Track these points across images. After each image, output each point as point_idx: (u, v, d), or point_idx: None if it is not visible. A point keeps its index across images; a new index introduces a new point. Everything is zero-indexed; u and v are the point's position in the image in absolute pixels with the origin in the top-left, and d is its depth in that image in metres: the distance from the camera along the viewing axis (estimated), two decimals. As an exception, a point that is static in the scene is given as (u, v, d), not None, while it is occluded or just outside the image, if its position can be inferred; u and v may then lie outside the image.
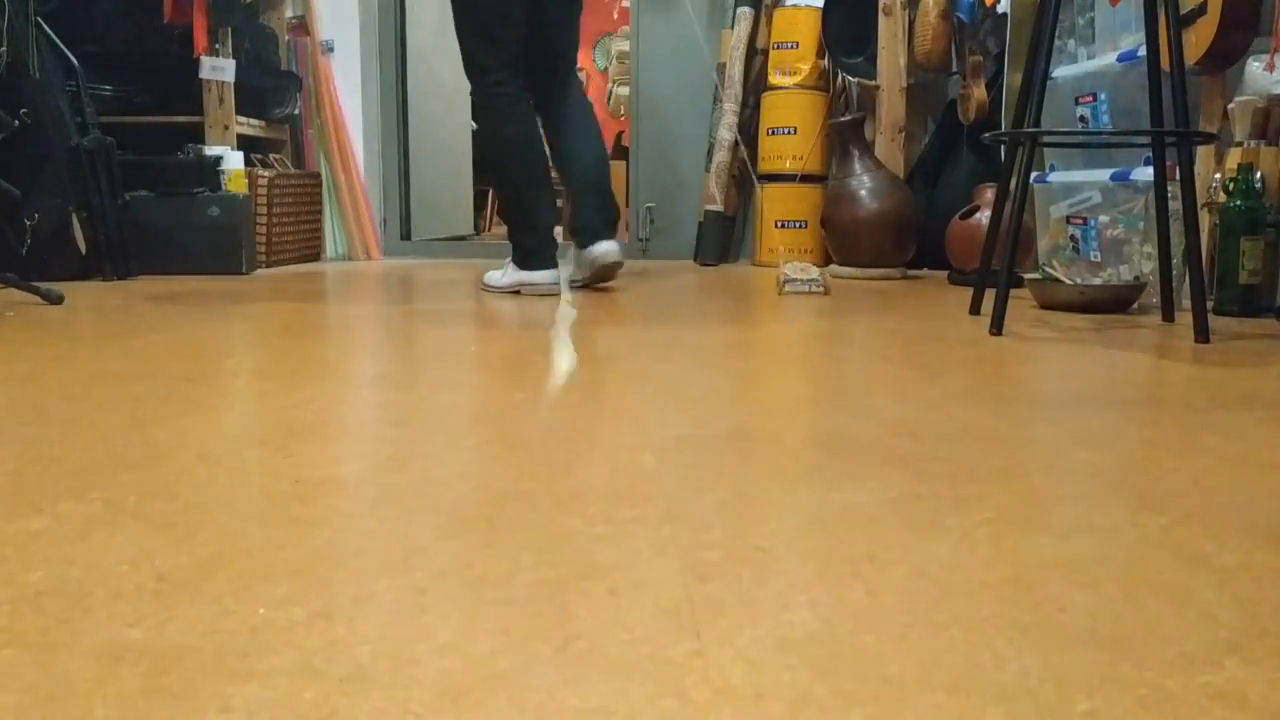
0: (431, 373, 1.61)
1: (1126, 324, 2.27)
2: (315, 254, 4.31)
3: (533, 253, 2.88)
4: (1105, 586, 0.72)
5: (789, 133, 4.05)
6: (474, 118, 3.05)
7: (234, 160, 3.64)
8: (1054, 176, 3.05)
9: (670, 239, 4.49)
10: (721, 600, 0.69)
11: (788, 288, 2.92)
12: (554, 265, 2.89)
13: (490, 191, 7.18)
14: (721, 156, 4.18)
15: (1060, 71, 2.97)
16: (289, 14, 4.30)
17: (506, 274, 2.94)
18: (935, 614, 0.67)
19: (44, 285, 2.59)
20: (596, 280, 2.99)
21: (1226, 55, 2.40)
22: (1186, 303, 2.34)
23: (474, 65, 2.84)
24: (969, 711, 0.54)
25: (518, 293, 2.89)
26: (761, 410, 1.32)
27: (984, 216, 3.15)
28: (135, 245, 3.38)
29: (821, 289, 2.91)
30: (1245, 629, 0.65)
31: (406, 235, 4.74)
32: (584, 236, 2.93)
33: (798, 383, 1.53)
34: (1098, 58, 2.87)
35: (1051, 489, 0.96)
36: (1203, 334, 1.97)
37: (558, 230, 3.07)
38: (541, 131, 2.92)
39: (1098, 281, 2.61)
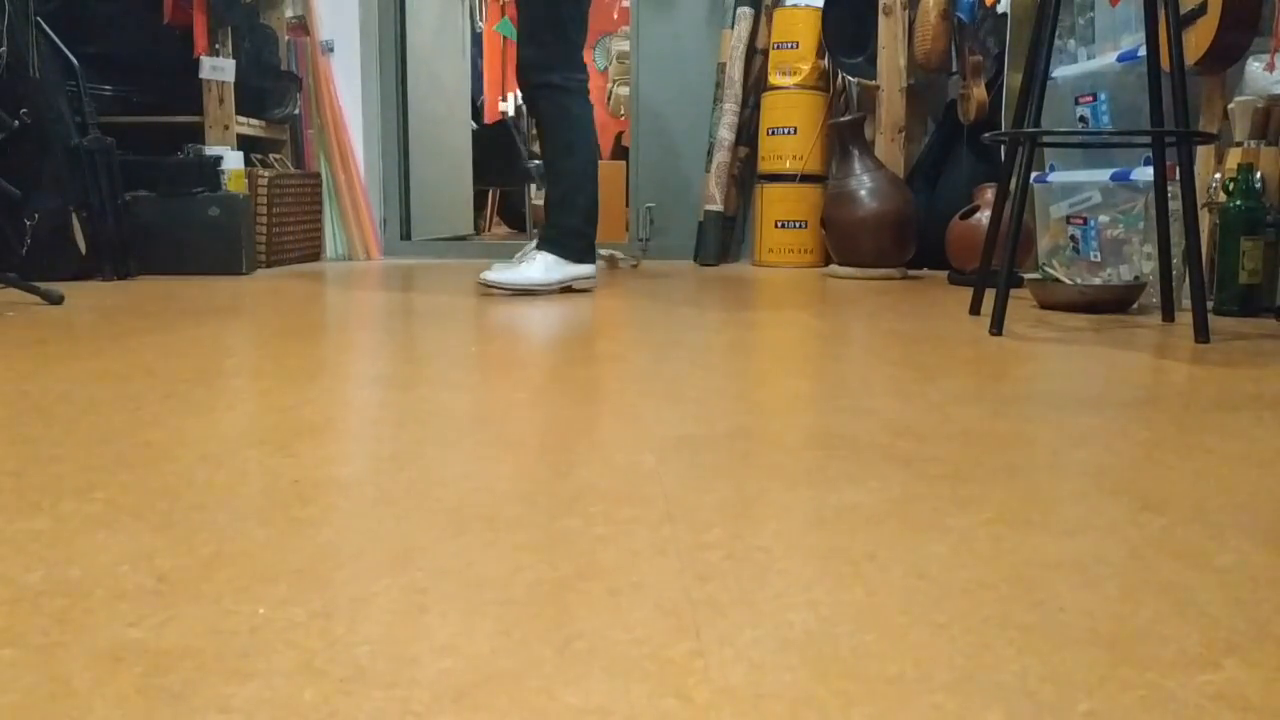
0: (431, 373, 1.61)
1: (1126, 324, 2.27)
2: (315, 254, 4.31)
3: (591, 245, 2.92)
4: (1105, 586, 0.72)
5: (789, 133, 4.05)
6: (553, 111, 2.83)
7: (234, 160, 3.64)
8: (1054, 176, 3.05)
9: (670, 239, 4.49)
10: (721, 600, 0.69)
11: None
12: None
13: (490, 192, 7.18)
14: (721, 156, 4.18)
15: (1060, 71, 2.97)
16: (289, 14, 4.30)
17: (551, 270, 2.87)
18: (935, 614, 0.67)
19: (44, 285, 2.59)
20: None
21: (1226, 55, 2.39)
22: (1186, 303, 2.34)
23: (571, 55, 2.79)
24: (969, 711, 0.54)
25: (569, 289, 2.91)
26: (761, 410, 1.32)
27: (984, 216, 3.15)
28: (135, 245, 3.38)
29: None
30: (1245, 629, 0.65)
31: (406, 235, 4.74)
32: None
33: (798, 383, 1.53)
34: (1098, 58, 2.87)
35: (1051, 489, 0.96)
36: (1203, 334, 1.96)
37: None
38: None
39: (1098, 281, 2.61)
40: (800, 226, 4.06)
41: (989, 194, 3.20)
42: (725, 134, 4.18)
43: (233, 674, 0.58)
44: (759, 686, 0.57)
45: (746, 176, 4.32)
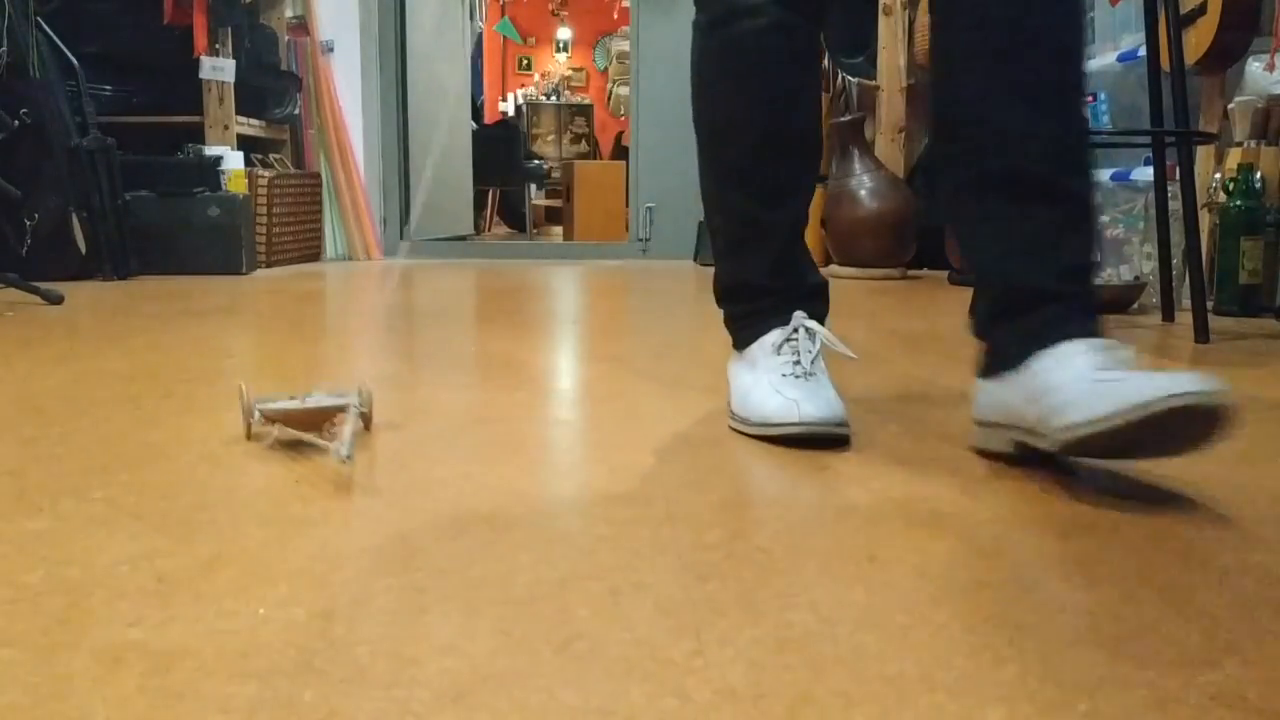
0: (431, 372, 1.61)
1: (1126, 324, 2.26)
2: (315, 254, 4.31)
3: None
4: (1105, 586, 0.72)
5: (789, 133, 4.05)
6: None
7: (234, 160, 3.64)
8: (1054, 176, 3.04)
9: (670, 239, 4.49)
10: (721, 600, 0.69)
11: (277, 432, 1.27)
12: None
13: (490, 192, 7.17)
14: (721, 156, 4.17)
15: (1060, 71, 2.97)
16: (289, 14, 4.30)
17: None
18: (935, 614, 0.67)
19: (44, 285, 2.59)
20: None
21: (1226, 55, 2.39)
22: (1186, 303, 2.34)
23: None
24: (969, 711, 0.54)
25: None
26: (761, 410, 1.32)
27: (984, 216, 3.14)
28: (135, 245, 3.38)
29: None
30: (1245, 629, 0.65)
31: (406, 235, 4.75)
32: None
33: (798, 383, 1.53)
34: (1098, 58, 2.87)
35: (1050, 489, 0.96)
36: (1203, 334, 1.96)
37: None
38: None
39: (1098, 282, 2.61)
40: (800, 226, 4.06)
41: (989, 194, 3.20)
42: (725, 134, 4.17)
43: (233, 674, 0.58)
44: (759, 686, 0.57)
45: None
